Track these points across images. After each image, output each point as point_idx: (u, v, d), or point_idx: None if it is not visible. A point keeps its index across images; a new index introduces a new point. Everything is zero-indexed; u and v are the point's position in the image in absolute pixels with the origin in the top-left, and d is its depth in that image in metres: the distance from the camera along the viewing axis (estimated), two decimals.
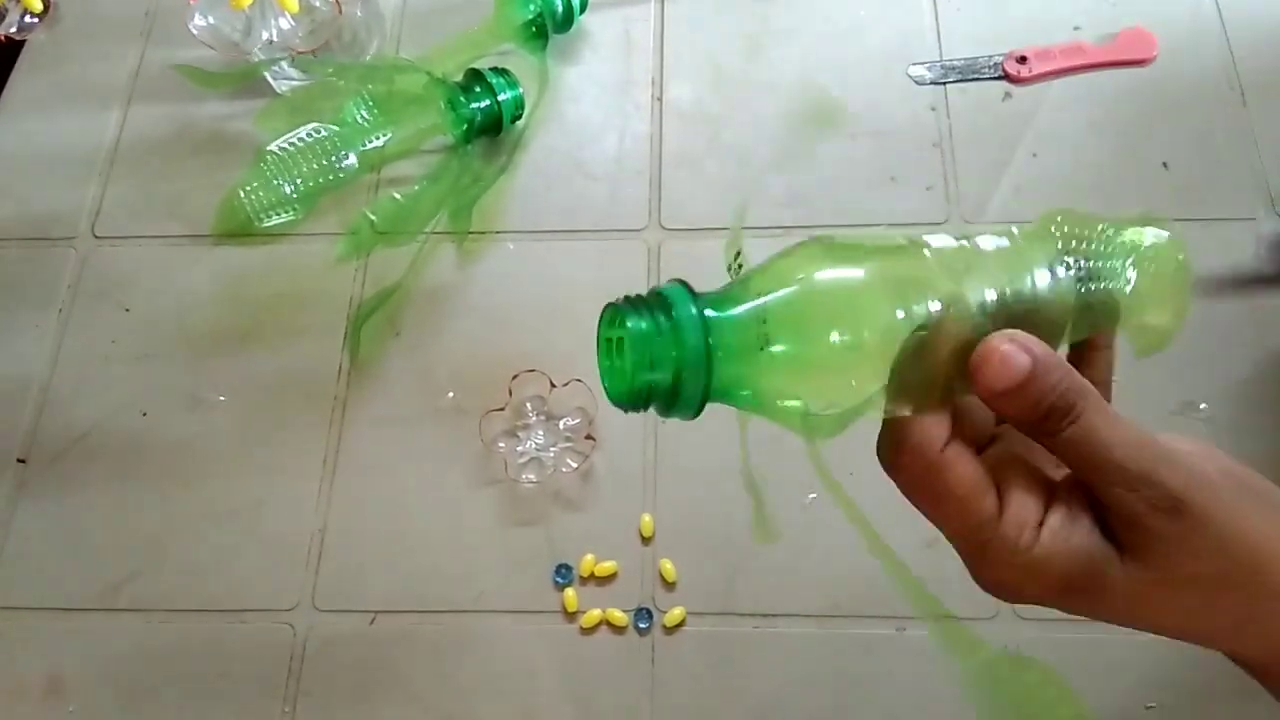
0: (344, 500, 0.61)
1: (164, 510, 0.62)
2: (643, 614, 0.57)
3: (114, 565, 0.61)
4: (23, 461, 0.64)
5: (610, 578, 0.58)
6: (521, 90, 0.70)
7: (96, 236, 0.71)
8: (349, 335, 0.66)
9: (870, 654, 0.55)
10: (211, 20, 0.70)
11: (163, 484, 0.63)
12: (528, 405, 0.62)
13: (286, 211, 0.69)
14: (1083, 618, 0.31)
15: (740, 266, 0.34)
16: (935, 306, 0.29)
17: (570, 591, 0.57)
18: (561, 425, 0.62)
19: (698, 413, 0.29)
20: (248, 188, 0.68)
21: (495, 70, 0.69)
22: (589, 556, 0.58)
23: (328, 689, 0.57)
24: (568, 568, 0.58)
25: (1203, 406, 0.59)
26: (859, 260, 0.30)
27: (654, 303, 0.29)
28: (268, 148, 0.68)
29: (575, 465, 0.60)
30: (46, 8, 0.79)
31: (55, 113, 0.76)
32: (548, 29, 0.72)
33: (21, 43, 0.79)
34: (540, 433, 0.61)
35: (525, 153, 0.71)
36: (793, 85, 0.72)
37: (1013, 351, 0.29)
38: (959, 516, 0.30)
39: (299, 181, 0.68)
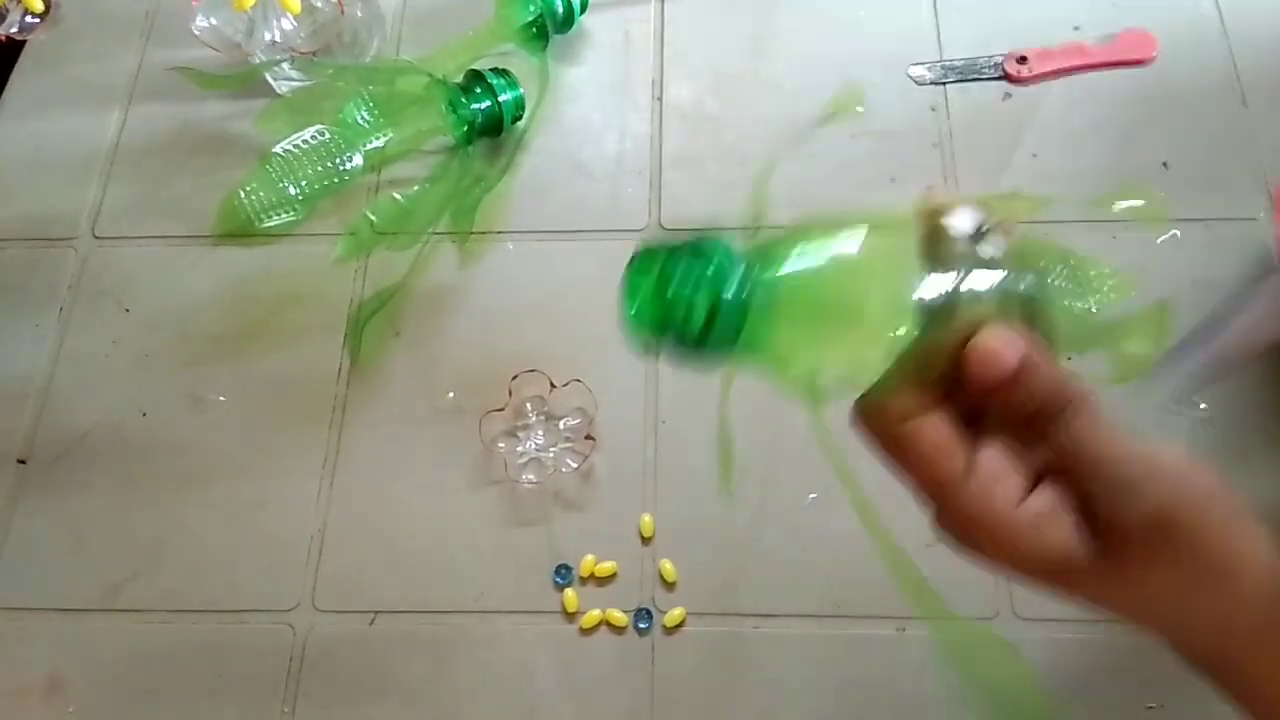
0: (344, 500, 0.61)
1: (164, 511, 0.62)
2: (643, 614, 0.57)
3: (114, 565, 0.61)
4: (23, 462, 0.64)
5: (610, 578, 0.58)
6: (522, 91, 0.70)
7: (97, 237, 0.71)
8: (349, 336, 0.66)
9: (870, 654, 0.55)
10: (214, 21, 0.70)
11: (163, 484, 0.63)
12: (528, 405, 0.62)
13: (287, 212, 0.69)
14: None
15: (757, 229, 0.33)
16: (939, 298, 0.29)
17: (570, 592, 0.57)
18: (561, 425, 0.62)
19: (716, 356, 0.30)
20: (249, 188, 0.68)
21: (496, 71, 0.69)
22: (589, 557, 0.58)
23: (327, 689, 0.57)
24: (568, 568, 0.58)
25: (1203, 406, 0.59)
26: (882, 243, 0.30)
27: (695, 247, 0.29)
28: (273, 149, 0.68)
29: (575, 465, 0.60)
30: (47, 8, 0.79)
31: (56, 113, 0.76)
32: (548, 30, 0.72)
33: (22, 43, 0.79)
34: (540, 433, 0.61)
35: (525, 153, 0.71)
36: (794, 86, 0.72)
37: (998, 348, 0.29)
38: (924, 477, 0.30)
39: (304, 184, 0.68)
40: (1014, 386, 0.29)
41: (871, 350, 0.30)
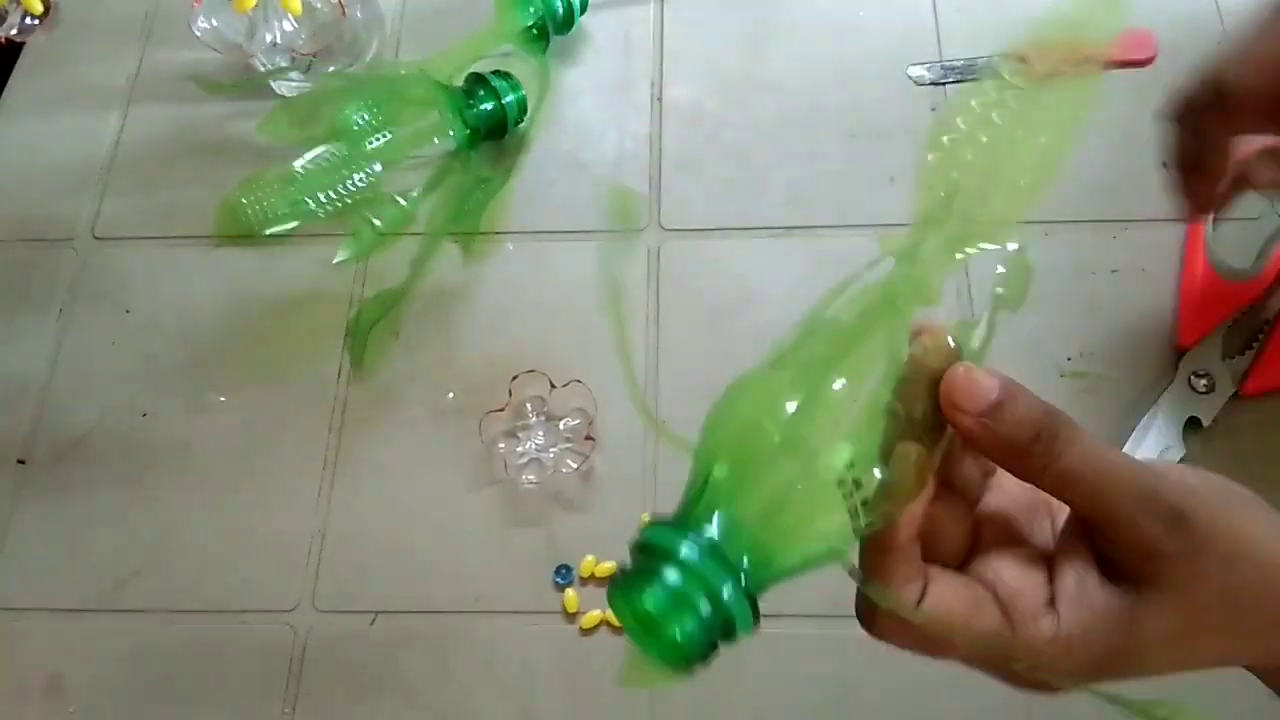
0: (344, 501, 0.61)
1: (164, 511, 0.62)
2: None
3: (114, 566, 0.60)
4: (23, 462, 0.64)
5: (610, 578, 0.58)
6: (524, 93, 0.70)
7: (96, 238, 0.71)
8: (350, 338, 0.66)
9: (870, 654, 0.55)
10: (215, 23, 0.70)
11: (163, 485, 0.63)
12: (528, 406, 0.62)
13: (293, 220, 0.68)
14: (1128, 679, 0.30)
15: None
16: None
17: (570, 592, 0.57)
18: (561, 426, 0.62)
19: (755, 618, 0.28)
20: (253, 198, 0.67)
21: (497, 73, 0.69)
22: (589, 557, 0.58)
23: (328, 689, 0.57)
24: (568, 568, 0.58)
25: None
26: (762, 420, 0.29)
27: (654, 571, 0.28)
28: (294, 165, 0.66)
29: (575, 466, 0.60)
30: (47, 10, 0.79)
31: (55, 114, 0.76)
32: (548, 31, 0.72)
33: (21, 44, 0.79)
34: (540, 433, 0.61)
35: (525, 153, 0.71)
36: (794, 86, 0.72)
37: (978, 377, 0.28)
38: (968, 649, 0.29)
39: (325, 202, 0.66)
40: (1000, 416, 0.28)
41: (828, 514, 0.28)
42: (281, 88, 0.73)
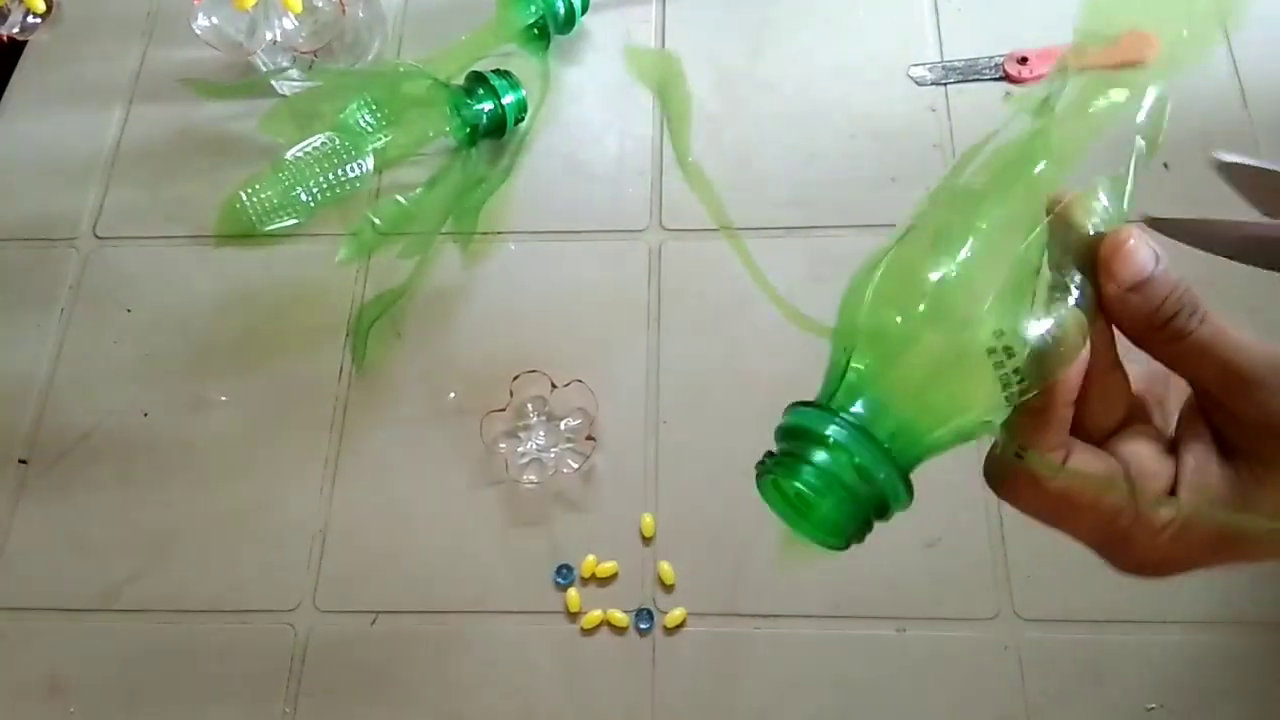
0: (345, 501, 0.61)
1: (165, 511, 0.62)
2: (643, 615, 0.57)
3: (115, 565, 0.61)
4: (24, 462, 0.64)
5: (611, 578, 0.58)
6: (524, 92, 0.70)
7: (98, 237, 0.71)
8: (352, 337, 0.66)
9: (870, 654, 0.55)
10: (215, 21, 0.70)
11: (164, 484, 0.63)
12: (529, 406, 0.62)
13: (290, 216, 0.69)
14: (1243, 562, 0.29)
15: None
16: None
17: (571, 592, 0.57)
18: (562, 426, 0.62)
19: (909, 494, 0.28)
20: (252, 190, 0.68)
21: (498, 72, 0.69)
22: (590, 557, 0.58)
23: (329, 689, 0.57)
24: (569, 568, 0.58)
25: None
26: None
27: (803, 453, 0.28)
28: (285, 155, 0.67)
29: (576, 466, 0.60)
30: (49, 8, 0.79)
31: (57, 113, 0.76)
32: (549, 30, 0.72)
33: (24, 43, 0.79)
34: (541, 433, 0.61)
35: (527, 153, 0.71)
36: (794, 86, 0.72)
37: (1137, 243, 0.27)
38: (1092, 523, 0.29)
39: (316, 191, 0.67)
40: (1147, 289, 0.27)
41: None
42: (283, 87, 0.73)
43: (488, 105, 0.68)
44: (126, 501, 0.62)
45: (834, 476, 0.27)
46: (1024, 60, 0.70)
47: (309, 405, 0.64)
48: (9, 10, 0.77)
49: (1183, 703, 0.53)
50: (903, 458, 0.27)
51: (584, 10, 0.73)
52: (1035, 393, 0.27)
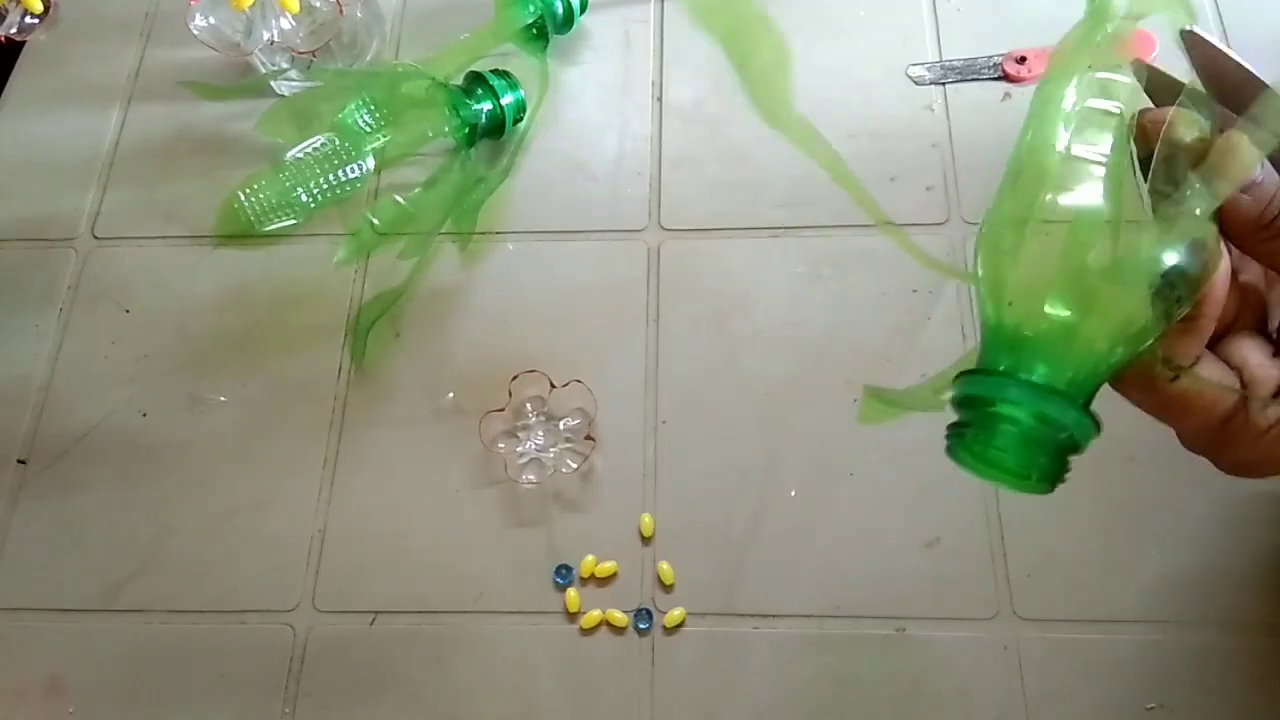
0: (344, 501, 0.61)
1: (164, 511, 0.62)
2: (643, 614, 0.57)
3: (114, 566, 0.61)
4: (23, 462, 0.64)
5: (610, 578, 0.58)
6: (523, 92, 0.70)
7: (96, 237, 0.71)
8: (351, 337, 0.66)
9: (870, 654, 0.55)
10: (212, 21, 0.70)
11: (163, 485, 0.63)
12: (528, 406, 0.62)
13: (289, 215, 0.69)
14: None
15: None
16: None
17: (571, 592, 0.57)
18: (561, 426, 0.62)
19: (1097, 427, 0.29)
20: (250, 190, 0.68)
21: (496, 72, 0.69)
22: (589, 557, 0.58)
23: (328, 690, 0.57)
24: (568, 568, 0.58)
25: None
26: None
27: (990, 420, 0.29)
28: (285, 156, 0.68)
29: (575, 466, 0.60)
30: (47, 8, 0.79)
31: (55, 113, 0.76)
32: (548, 30, 0.72)
33: (21, 43, 0.79)
34: (540, 433, 0.61)
35: (525, 154, 0.71)
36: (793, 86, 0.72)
37: (1246, 145, 0.28)
38: (1198, 425, 0.30)
39: (316, 192, 0.68)
40: (1258, 190, 0.28)
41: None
42: (281, 87, 0.73)
43: (486, 105, 0.68)
44: (125, 501, 0.62)
45: (1026, 438, 0.28)
46: (1022, 60, 0.70)
47: (308, 406, 0.64)
48: (6, 11, 0.77)
49: (1183, 703, 0.53)
50: (1080, 393, 0.28)
51: (583, 10, 0.73)
52: (1187, 309, 0.28)
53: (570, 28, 0.73)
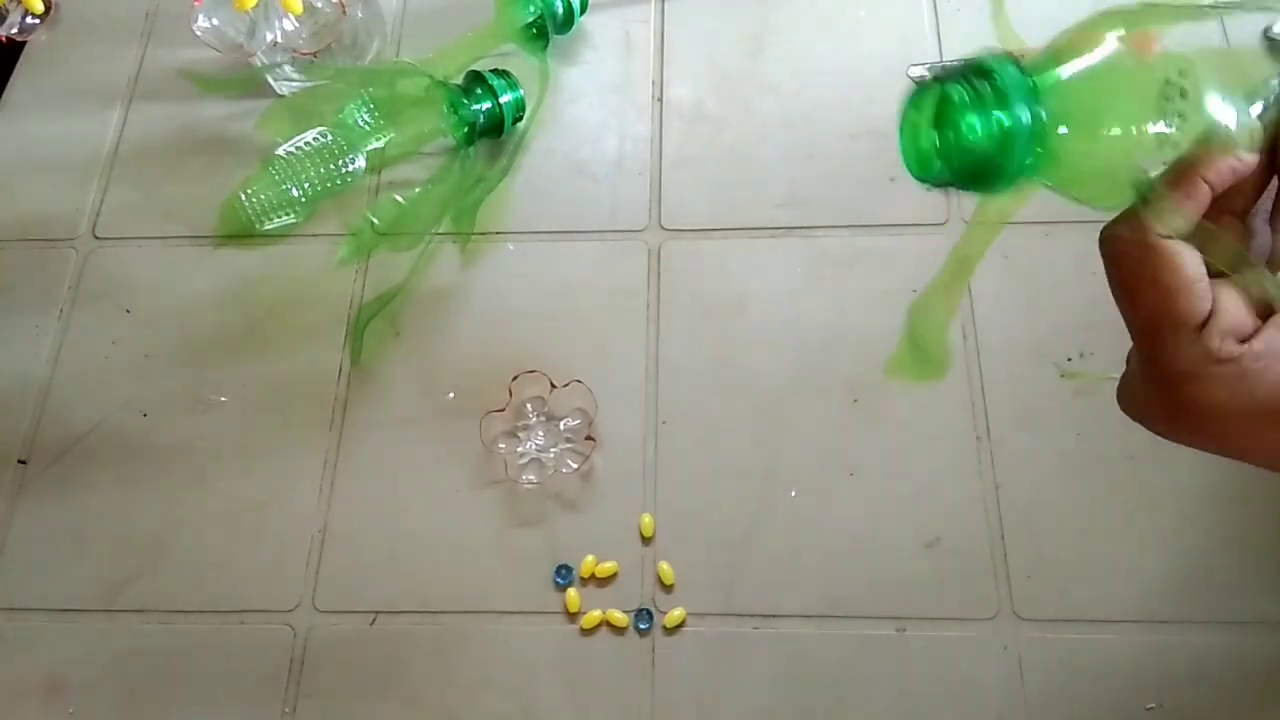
0: (344, 501, 0.61)
1: (164, 511, 0.62)
2: (643, 614, 0.57)
3: (114, 566, 0.61)
4: (23, 462, 0.64)
5: (611, 578, 0.58)
6: (522, 92, 0.70)
7: (97, 237, 0.71)
8: (350, 337, 0.66)
9: (870, 654, 0.55)
10: (215, 22, 0.70)
11: (163, 485, 0.63)
12: (528, 406, 0.62)
13: (288, 214, 0.69)
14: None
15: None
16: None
17: (571, 592, 0.57)
18: (562, 426, 0.62)
19: (1010, 185, 0.28)
20: (250, 190, 0.69)
21: (496, 72, 0.69)
22: (589, 557, 0.58)
23: (328, 690, 0.57)
24: (568, 568, 0.58)
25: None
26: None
27: (972, 72, 0.28)
28: (276, 151, 0.68)
29: (575, 466, 0.60)
30: (48, 9, 0.79)
31: (56, 114, 0.76)
32: (548, 30, 0.72)
33: (22, 43, 0.79)
34: (540, 433, 0.61)
35: (525, 153, 0.71)
36: (794, 86, 0.72)
37: None
38: (1160, 306, 0.29)
39: (307, 186, 0.68)
40: None
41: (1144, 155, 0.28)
42: (281, 87, 0.73)
43: (486, 105, 0.68)
44: (125, 501, 0.62)
45: (988, 98, 0.28)
46: (1022, 59, 0.70)
47: (308, 405, 0.64)
48: (7, 11, 0.77)
49: (1183, 703, 0.53)
50: (1048, 125, 0.28)
51: (583, 10, 0.73)
52: (1184, 154, 0.28)
53: (570, 28, 0.73)
